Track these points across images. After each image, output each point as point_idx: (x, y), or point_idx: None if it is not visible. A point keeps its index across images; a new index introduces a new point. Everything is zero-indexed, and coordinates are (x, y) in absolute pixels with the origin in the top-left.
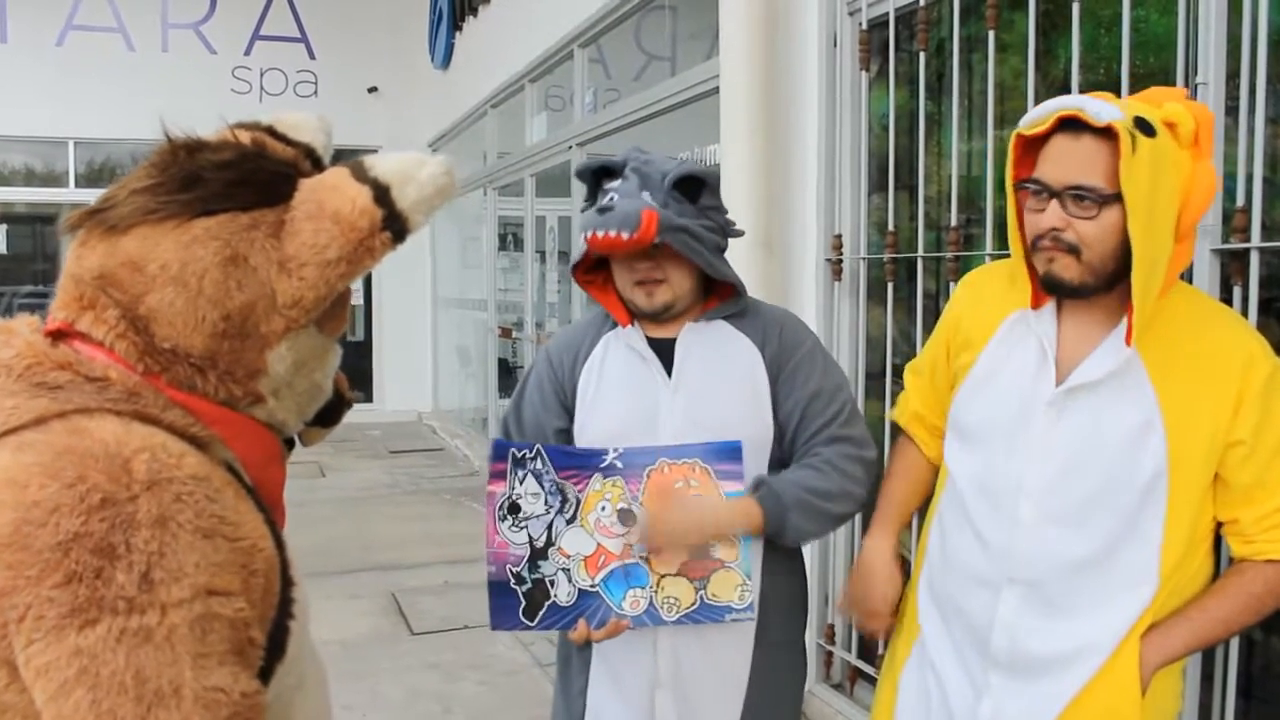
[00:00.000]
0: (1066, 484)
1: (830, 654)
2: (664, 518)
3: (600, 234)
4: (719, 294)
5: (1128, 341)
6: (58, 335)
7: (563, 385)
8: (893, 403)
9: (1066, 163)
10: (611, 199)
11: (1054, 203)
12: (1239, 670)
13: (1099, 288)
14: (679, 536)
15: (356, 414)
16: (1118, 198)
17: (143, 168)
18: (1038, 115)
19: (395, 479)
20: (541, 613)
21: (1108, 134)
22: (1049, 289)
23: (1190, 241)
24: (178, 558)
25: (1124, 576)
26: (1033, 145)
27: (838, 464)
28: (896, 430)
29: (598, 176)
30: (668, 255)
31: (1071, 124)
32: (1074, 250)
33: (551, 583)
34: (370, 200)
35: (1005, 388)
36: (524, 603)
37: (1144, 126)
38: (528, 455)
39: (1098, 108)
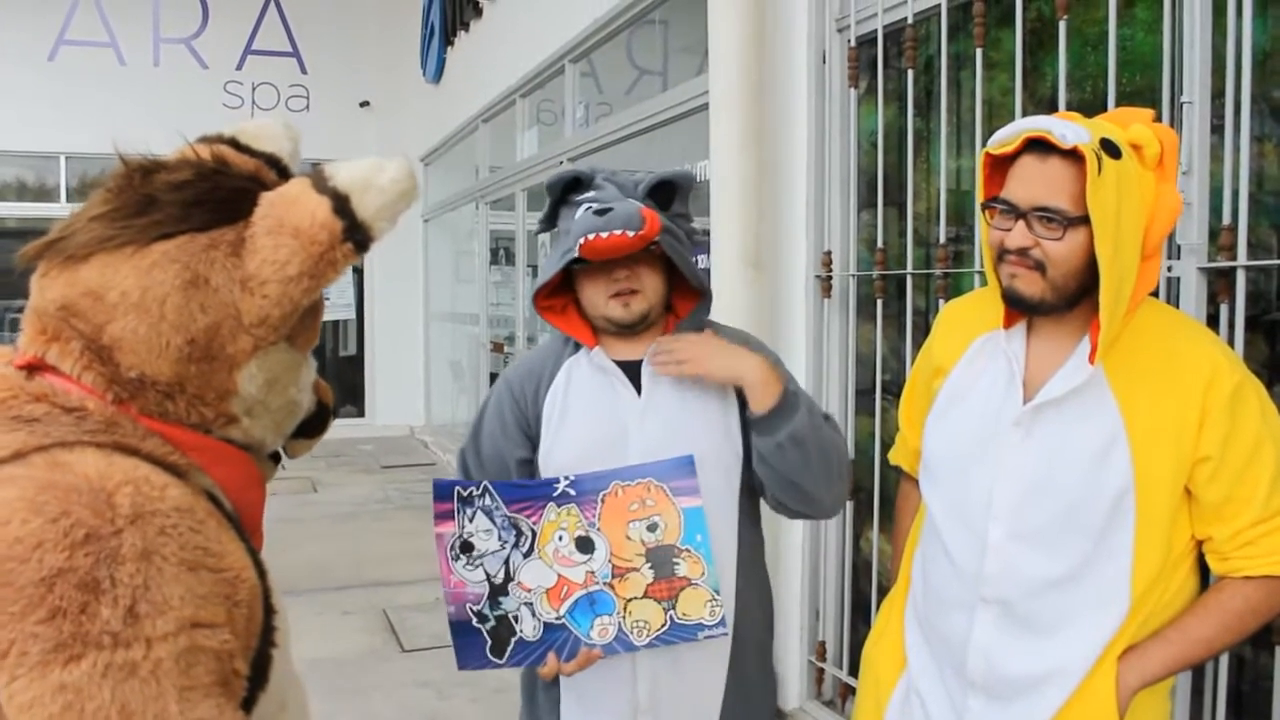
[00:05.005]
0: (1033, 503)
1: (821, 671)
2: (698, 342)
3: (605, 235)
4: (676, 313)
5: (1091, 360)
6: (31, 369)
7: (525, 414)
8: (883, 420)
9: (1033, 184)
10: (595, 207)
11: (1020, 223)
12: (1229, 686)
13: (1058, 306)
14: (709, 356)
15: (348, 429)
16: (1083, 219)
17: (98, 194)
18: (1006, 135)
19: (387, 494)
20: (509, 649)
21: (1074, 155)
22: (1009, 303)
23: (1157, 260)
24: (162, 591)
25: (1095, 596)
26: (1001, 163)
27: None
28: (891, 463)
29: (566, 191)
30: (643, 263)
31: (1039, 145)
32: (1040, 267)
33: (516, 619)
34: (329, 212)
35: (974, 407)
36: (489, 641)
37: (1110, 148)
38: (474, 493)
39: (1064, 130)
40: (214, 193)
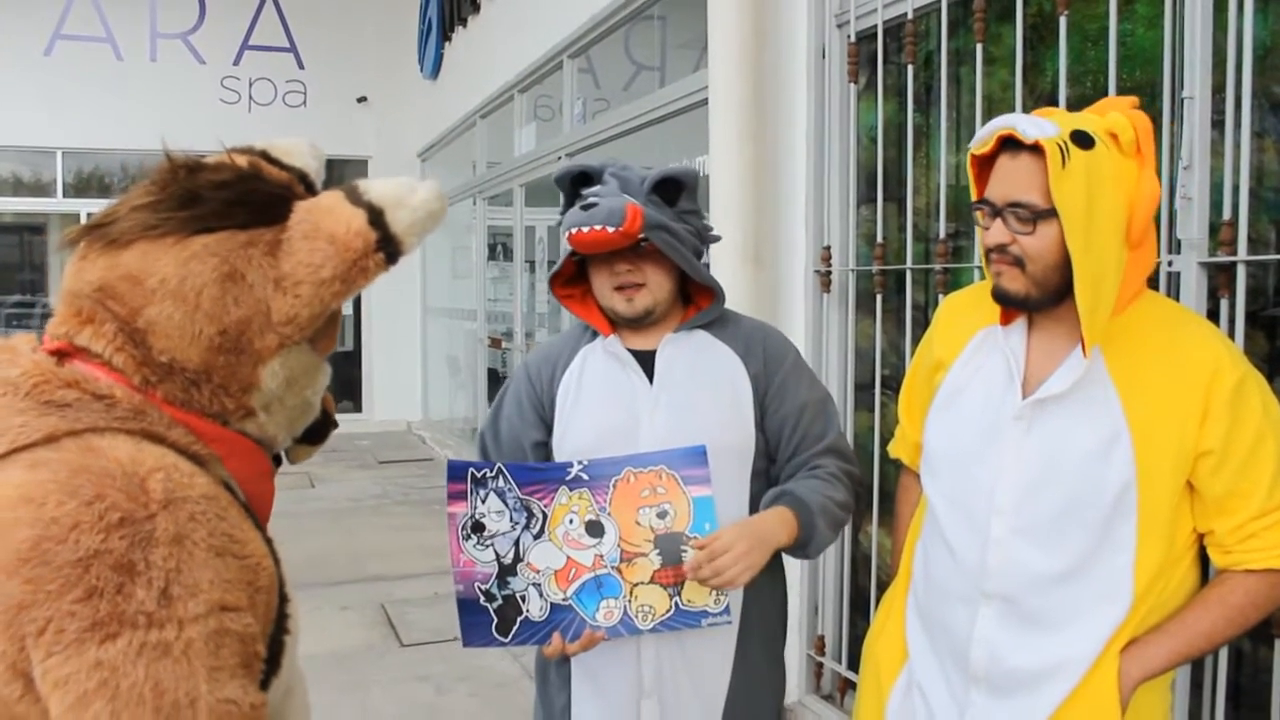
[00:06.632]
0: (1036, 498)
1: (820, 665)
2: (727, 549)
3: (585, 229)
4: (696, 304)
5: (1084, 353)
6: (59, 355)
7: (540, 399)
8: (881, 415)
9: (1006, 180)
10: (585, 201)
11: (998, 220)
12: (1228, 679)
13: (1046, 300)
14: (752, 563)
15: (345, 424)
16: (1054, 212)
17: (143, 185)
18: (981, 136)
19: (385, 489)
20: (515, 629)
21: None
22: (999, 301)
23: (1148, 248)
24: (193, 574)
25: (1098, 590)
26: (989, 164)
27: (840, 476)
28: (890, 456)
29: (575, 184)
30: (647, 258)
31: (1011, 143)
32: (1019, 263)
33: (523, 598)
34: (365, 223)
35: (973, 403)
36: (496, 619)
37: (1081, 139)
38: (488, 474)
39: (1027, 125)
40: (253, 195)
